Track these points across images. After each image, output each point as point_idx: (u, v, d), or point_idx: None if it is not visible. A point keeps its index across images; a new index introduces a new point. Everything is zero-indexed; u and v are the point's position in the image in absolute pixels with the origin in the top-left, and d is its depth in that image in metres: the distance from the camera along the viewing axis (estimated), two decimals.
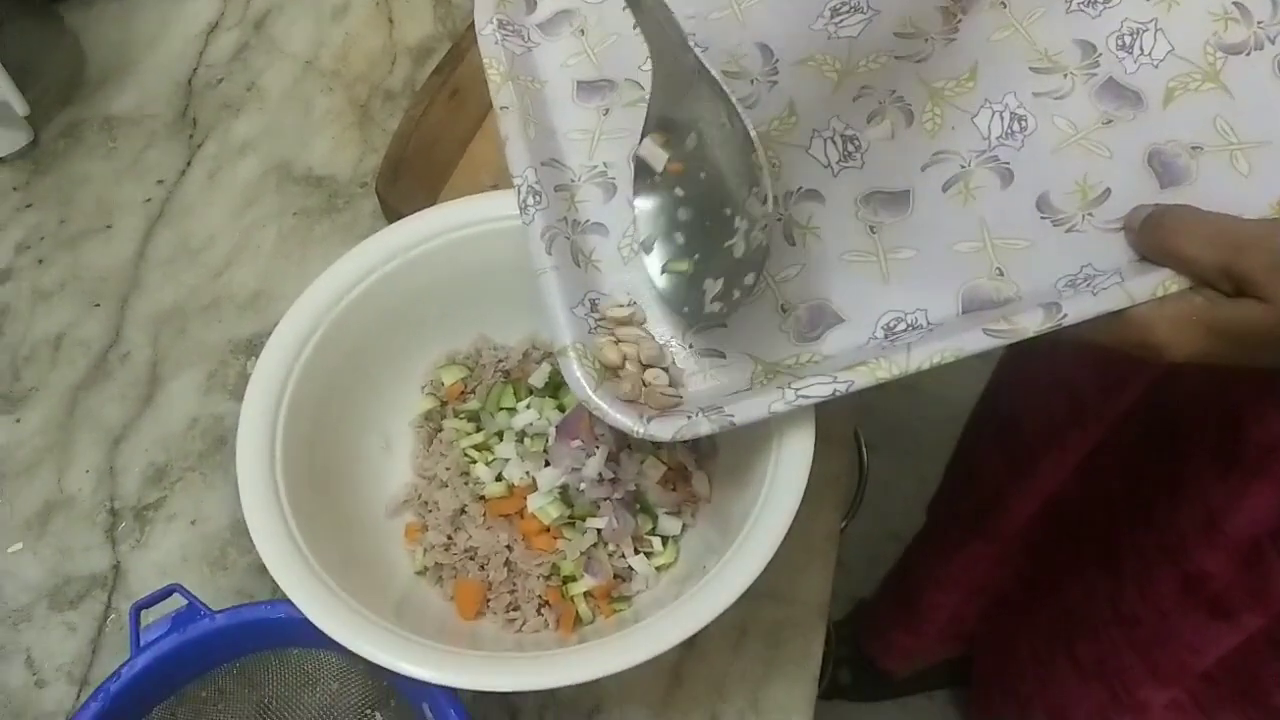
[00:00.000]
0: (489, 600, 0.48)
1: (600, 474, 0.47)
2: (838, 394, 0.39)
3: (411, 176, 0.62)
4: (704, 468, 0.50)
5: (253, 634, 0.44)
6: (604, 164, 0.47)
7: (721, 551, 0.42)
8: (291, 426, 0.46)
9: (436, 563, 0.49)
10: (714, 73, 0.41)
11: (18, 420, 0.58)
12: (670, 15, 0.39)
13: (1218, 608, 0.63)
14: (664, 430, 0.40)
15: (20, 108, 0.64)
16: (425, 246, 0.49)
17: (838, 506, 0.55)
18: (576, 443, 0.48)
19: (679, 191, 0.42)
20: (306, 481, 0.46)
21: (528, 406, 0.51)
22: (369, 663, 0.40)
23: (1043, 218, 0.43)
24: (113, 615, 0.53)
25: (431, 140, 0.63)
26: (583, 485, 0.48)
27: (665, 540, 0.49)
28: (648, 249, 0.43)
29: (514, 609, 0.47)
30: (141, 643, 0.42)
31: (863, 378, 0.39)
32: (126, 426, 0.58)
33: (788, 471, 0.42)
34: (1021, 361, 0.80)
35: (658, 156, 0.41)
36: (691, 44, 0.41)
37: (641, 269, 0.44)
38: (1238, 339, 0.38)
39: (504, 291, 0.51)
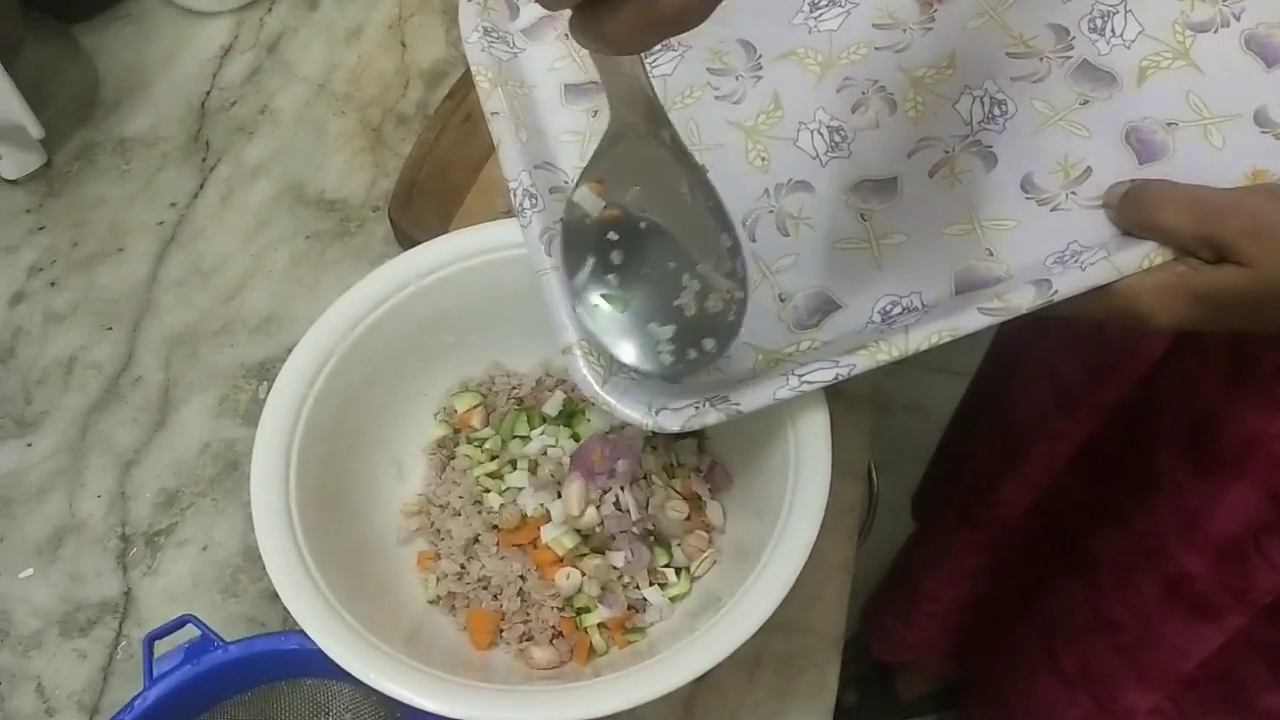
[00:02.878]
0: (502, 630, 0.48)
1: (615, 505, 0.47)
2: (840, 378, 0.40)
3: (424, 201, 0.62)
4: (718, 498, 0.49)
5: (266, 665, 0.44)
6: None
7: (737, 583, 0.42)
8: (305, 453, 0.46)
9: (449, 592, 0.48)
10: (689, 150, 0.39)
11: (29, 444, 0.58)
12: (648, 87, 0.37)
13: (1201, 608, 0.63)
14: (672, 421, 0.40)
15: (35, 130, 0.64)
16: (439, 274, 0.49)
17: (851, 536, 0.55)
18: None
19: (612, 235, 0.41)
20: (319, 509, 0.46)
21: (541, 434, 0.51)
22: (382, 694, 0.40)
23: (1027, 198, 0.43)
24: (123, 642, 0.53)
25: (444, 164, 0.63)
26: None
27: (679, 572, 0.48)
28: (578, 290, 0.41)
29: (527, 639, 0.47)
30: (154, 674, 0.42)
31: (864, 361, 0.39)
32: (138, 451, 0.58)
33: (804, 504, 0.42)
34: (1010, 349, 0.80)
35: (593, 203, 0.41)
36: (669, 119, 0.39)
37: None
38: (1219, 304, 0.38)
39: (517, 319, 0.51)
